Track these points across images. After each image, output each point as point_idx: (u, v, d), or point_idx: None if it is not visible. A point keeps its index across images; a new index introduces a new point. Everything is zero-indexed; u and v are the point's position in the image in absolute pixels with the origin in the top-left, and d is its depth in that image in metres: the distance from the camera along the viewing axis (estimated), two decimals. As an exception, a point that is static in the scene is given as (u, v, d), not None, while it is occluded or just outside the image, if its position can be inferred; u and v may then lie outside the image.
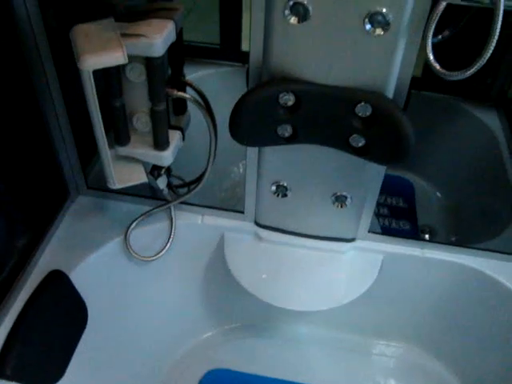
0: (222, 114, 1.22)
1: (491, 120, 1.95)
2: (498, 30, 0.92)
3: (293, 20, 0.98)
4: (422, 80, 1.77)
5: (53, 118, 1.30)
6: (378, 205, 1.96)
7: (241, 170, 1.94)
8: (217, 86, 1.82)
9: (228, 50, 1.90)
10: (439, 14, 0.96)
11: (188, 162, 1.35)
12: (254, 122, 1.07)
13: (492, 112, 1.99)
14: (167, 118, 1.15)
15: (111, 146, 1.16)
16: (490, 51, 0.95)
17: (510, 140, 1.86)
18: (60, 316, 1.28)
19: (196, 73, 1.84)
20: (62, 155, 1.39)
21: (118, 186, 1.20)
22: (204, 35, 2.00)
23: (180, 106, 1.23)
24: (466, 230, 1.85)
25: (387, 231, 1.85)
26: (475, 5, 0.96)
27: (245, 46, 1.89)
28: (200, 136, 1.31)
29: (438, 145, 1.95)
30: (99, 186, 1.46)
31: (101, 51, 0.97)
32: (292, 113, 1.06)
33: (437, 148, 1.95)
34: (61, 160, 1.40)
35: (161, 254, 1.40)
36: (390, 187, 1.98)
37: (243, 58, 1.88)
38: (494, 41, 0.93)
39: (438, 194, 2.03)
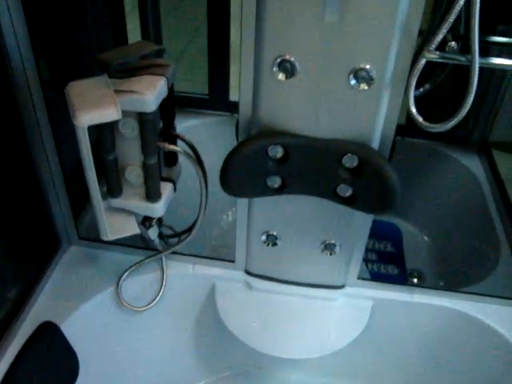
0: (212, 163, 1.26)
1: (473, 164, 2.00)
2: (474, 86, 0.97)
3: (280, 76, 1.02)
4: (406, 127, 1.82)
5: (46, 169, 1.31)
6: (367, 250, 1.98)
7: (230, 218, 1.97)
8: (206, 135, 1.86)
9: (216, 100, 1.94)
10: (420, 70, 1.01)
11: (178, 210, 1.37)
12: (244, 175, 1.10)
13: (474, 157, 2.04)
14: (159, 170, 1.17)
15: (104, 198, 1.18)
16: (469, 105, 0.99)
17: (492, 184, 1.91)
18: (51, 367, 1.27)
19: (185, 123, 1.88)
20: (54, 206, 1.40)
21: (110, 237, 1.21)
22: (193, 85, 2.05)
23: (171, 158, 1.26)
24: (454, 273, 1.88)
25: (376, 277, 1.87)
26: (452, 62, 1.00)
27: (233, 96, 1.94)
28: (190, 185, 1.34)
29: (424, 190, 2.00)
30: (91, 236, 1.48)
31: (95, 108, 1.00)
32: (281, 164, 1.10)
33: (422, 193, 1.99)
34: (53, 211, 1.42)
35: (152, 304, 1.40)
36: (377, 232, 2.01)
37: (232, 107, 1.93)
38: (472, 95, 0.98)
39: (426, 238, 2.06)
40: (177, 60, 3.10)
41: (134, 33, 1.75)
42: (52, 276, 1.41)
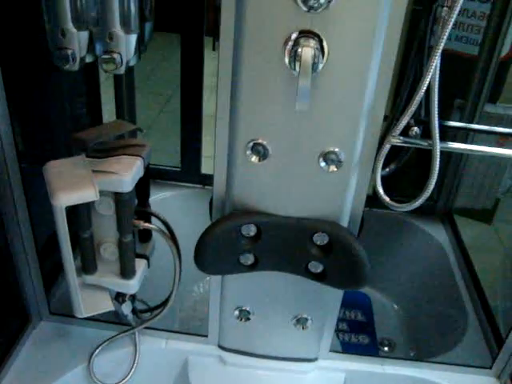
0: (183, 235, 1.28)
1: (438, 233, 2.07)
2: (437, 169, 1.03)
3: (254, 159, 1.06)
4: (373, 198, 1.88)
5: (18, 241, 1.31)
6: (338, 320, 2.00)
7: (201, 290, 1.97)
8: (178, 207, 1.89)
9: (188, 173, 1.98)
10: (385, 153, 1.07)
11: (150, 283, 1.38)
12: (218, 253, 1.13)
13: (439, 225, 2.11)
14: (134, 247, 1.19)
15: (78, 274, 1.19)
16: (432, 186, 1.05)
17: (456, 251, 1.97)
18: None
19: (157, 194, 1.91)
20: (26, 279, 1.39)
21: (85, 315, 1.21)
22: (164, 157, 2.09)
23: (145, 235, 1.28)
24: (424, 341, 1.90)
25: (348, 347, 1.88)
26: (416, 146, 1.07)
27: (205, 169, 1.98)
28: (162, 257, 1.35)
29: (392, 259, 2.04)
30: (62, 310, 1.46)
31: (74, 189, 1.03)
32: (254, 242, 1.13)
33: (390, 262, 2.04)
34: (24, 284, 1.41)
35: (125, 380, 1.39)
36: (347, 301, 2.02)
37: (203, 180, 1.97)
38: (435, 178, 1.04)
39: (395, 305, 2.10)
40: (148, 128, 3.16)
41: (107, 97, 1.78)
42: (21, 353, 1.39)
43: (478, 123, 2.12)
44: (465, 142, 2.07)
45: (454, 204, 2.23)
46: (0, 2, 1.08)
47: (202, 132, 1.96)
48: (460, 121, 2.11)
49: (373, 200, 1.94)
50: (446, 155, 2.01)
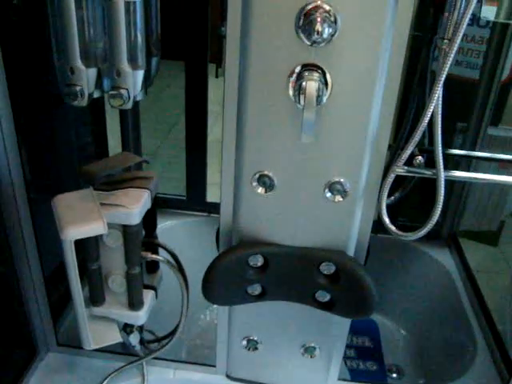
0: (190, 263, 1.29)
1: (444, 257, 2.07)
2: (442, 198, 1.04)
3: (260, 190, 1.07)
4: (378, 223, 1.89)
5: (26, 271, 1.32)
6: (345, 347, 2.00)
7: (208, 318, 1.97)
8: (184, 236, 1.90)
9: (194, 201, 1.99)
10: (390, 183, 1.08)
11: (158, 313, 1.38)
12: (226, 284, 1.13)
13: (444, 250, 2.11)
14: (142, 279, 1.20)
15: (86, 306, 1.20)
16: (438, 214, 1.06)
17: (463, 276, 1.97)
18: None
19: (164, 223, 1.92)
20: (33, 310, 1.40)
21: (93, 347, 1.22)
22: (170, 185, 2.11)
23: (153, 265, 1.29)
24: (433, 368, 1.89)
25: (356, 374, 1.87)
26: (420, 175, 1.08)
27: (210, 197, 1.99)
28: (170, 287, 1.36)
29: (398, 284, 2.04)
30: (69, 342, 1.46)
31: (82, 223, 1.04)
32: (261, 273, 1.13)
33: (397, 287, 2.03)
34: (31, 315, 1.41)
35: (133, 411, 1.38)
36: (354, 327, 2.02)
37: (209, 208, 1.98)
38: (440, 206, 1.05)
39: (403, 331, 2.09)
40: (153, 155, 3.19)
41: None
42: (29, 386, 1.39)
43: (480, 146, 2.13)
44: (468, 165, 2.09)
45: (459, 227, 2.23)
46: (11, 38, 1.10)
47: (206, 160, 1.98)
48: (463, 144, 2.13)
49: (378, 226, 1.95)
50: (450, 183, 2.02)
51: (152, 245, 1.23)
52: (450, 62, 0.94)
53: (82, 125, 1.63)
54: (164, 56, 1.21)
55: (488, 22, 2.08)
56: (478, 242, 2.49)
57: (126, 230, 1.11)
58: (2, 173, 1.18)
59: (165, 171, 2.32)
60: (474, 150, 2.12)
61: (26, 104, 1.24)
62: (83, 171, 1.19)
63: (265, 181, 1.06)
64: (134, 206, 1.08)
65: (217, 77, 4.02)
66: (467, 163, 1.99)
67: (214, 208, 1.92)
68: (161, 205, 1.97)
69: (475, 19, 2.13)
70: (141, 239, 1.18)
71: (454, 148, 2.18)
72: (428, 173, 1.07)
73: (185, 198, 2.01)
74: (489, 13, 1.15)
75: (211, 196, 2.00)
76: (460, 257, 2.07)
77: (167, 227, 1.92)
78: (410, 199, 1.86)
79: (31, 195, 1.26)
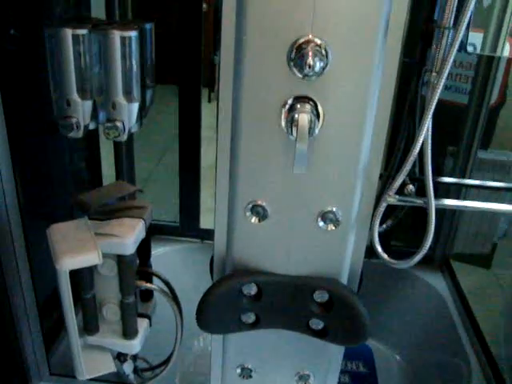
0: (183, 290, 1.29)
1: (437, 281, 2.08)
2: (433, 226, 1.05)
3: (253, 220, 1.08)
4: (371, 248, 1.90)
5: (19, 300, 1.32)
6: (339, 372, 2.00)
7: (201, 344, 1.96)
8: (177, 262, 1.90)
9: (187, 228, 2.00)
10: (382, 212, 1.10)
11: (152, 340, 1.38)
12: (220, 313, 1.14)
13: (437, 274, 2.13)
14: (136, 308, 1.20)
15: (80, 335, 1.20)
16: (430, 242, 1.07)
17: (456, 299, 1.98)
18: None
19: (157, 249, 1.92)
20: (26, 339, 1.40)
21: (87, 377, 1.21)
22: (163, 211, 2.11)
23: (147, 294, 1.29)
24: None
25: (350, 401, 1.87)
26: (410, 204, 1.09)
27: (203, 224, 2.00)
28: (163, 315, 1.36)
29: (392, 308, 2.05)
30: (62, 371, 1.46)
31: (77, 253, 1.05)
32: (255, 301, 1.14)
33: (391, 312, 2.04)
34: (23, 345, 1.40)
35: None
36: (348, 352, 2.01)
37: (202, 234, 1.99)
38: (431, 234, 1.06)
39: (397, 356, 2.09)
40: (145, 181, 3.19)
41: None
42: (20, 417, 1.38)
43: (471, 170, 2.16)
44: (459, 189, 2.11)
45: (451, 250, 2.25)
46: (7, 67, 1.12)
47: (200, 186, 1.99)
48: (453, 167, 2.15)
49: (371, 250, 1.96)
50: (441, 210, 2.03)
51: (146, 273, 1.24)
52: (438, 95, 0.96)
53: (75, 152, 1.64)
54: (157, 80, 1.23)
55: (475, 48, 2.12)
56: (471, 265, 2.50)
57: (120, 259, 1.12)
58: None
59: (157, 196, 2.32)
60: (464, 173, 2.15)
61: (21, 131, 1.25)
62: (78, 200, 1.20)
63: (258, 210, 1.07)
64: (128, 236, 1.09)
65: (209, 101, 4.06)
66: (458, 187, 2.02)
67: (208, 234, 1.93)
68: (154, 231, 1.98)
69: (462, 45, 2.17)
70: (135, 268, 1.19)
71: (445, 171, 2.21)
72: (419, 201, 1.09)
73: (178, 225, 2.01)
74: (476, 40, 1.18)
75: (205, 222, 2.01)
76: (453, 280, 2.08)
77: (160, 254, 1.93)
78: (402, 222, 1.87)
79: (25, 221, 1.26)
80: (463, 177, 2.13)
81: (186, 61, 1.79)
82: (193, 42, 1.75)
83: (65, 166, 1.55)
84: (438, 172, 1.40)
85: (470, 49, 1.13)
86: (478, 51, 1.15)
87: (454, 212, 2.17)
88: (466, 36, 1.12)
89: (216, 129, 1.05)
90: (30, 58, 1.21)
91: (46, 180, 1.49)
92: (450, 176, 2.12)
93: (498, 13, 1.14)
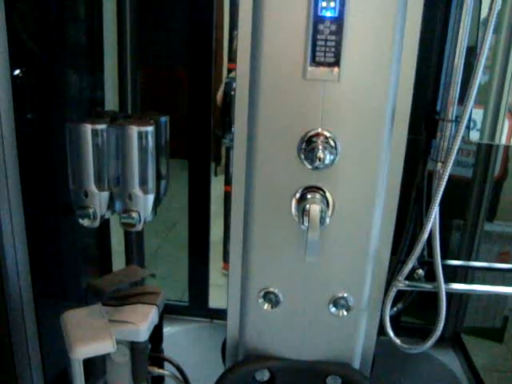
0: (193, 371, 1.28)
1: (449, 359, 2.04)
2: (444, 310, 1.06)
3: (266, 306, 1.10)
4: (381, 327, 1.89)
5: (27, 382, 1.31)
6: None
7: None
8: (187, 341, 1.88)
9: (196, 307, 1.99)
10: (393, 297, 1.11)
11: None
12: (233, 398, 1.13)
13: (449, 351, 2.09)
14: (148, 395, 1.20)
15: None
16: (442, 326, 1.08)
17: (469, 376, 1.94)
18: None
19: (166, 329, 1.90)
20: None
21: None
22: (171, 286, 2.11)
23: (159, 379, 1.29)
24: None
25: None
26: (421, 289, 1.11)
27: (212, 303, 1.99)
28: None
29: (404, 388, 2.01)
30: None
31: (91, 342, 1.06)
32: (268, 387, 1.14)
33: (402, 391, 2.00)
34: None
35: None
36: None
37: (211, 314, 1.97)
38: (443, 319, 1.07)
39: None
40: (154, 255, 3.19)
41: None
42: None
43: (478, 243, 2.17)
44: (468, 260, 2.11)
45: (462, 326, 2.22)
46: (26, 153, 1.16)
47: (209, 262, 1.99)
48: (461, 241, 2.16)
49: (381, 329, 1.95)
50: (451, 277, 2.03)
51: (158, 359, 1.23)
52: (444, 184, 0.99)
53: (86, 229, 1.67)
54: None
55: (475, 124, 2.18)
56: (483, 339, 2.46)
57: (133, 346, 1.13)
58: (12, 278, 1.20)
59: (165, 272, 2.33)
60: (472, 246, 2.15)
61: (36, 211, 1.28)
62: (91, 286, 1.22)
63: (270, 297, 1.09)
64: (142, 323, 1.10)
65: (216, 175, 4.12)
66: (468, 256, 2.02)
67: (217, 314, 1.92)
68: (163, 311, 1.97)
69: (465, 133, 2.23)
70: (148, 354, 1.19)
71: (452, 244, 2.22)
72: (429, 286, 1.10)
73: (187, 304, 2.01)
74: (476, 116, 1.21)
75: (213, 300, 2.01)
76: (465, 357, 2.05)
77: (169, 334, 1.91)
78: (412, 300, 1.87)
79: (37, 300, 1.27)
80: (471, 249, 2.14)
81: (197, 137, 1.83)
82: (203, 119, 1.80)
83: (76, 243, 1.57)
84: (445, 246, 1.41)
85: (473, 136, 1.17)
86: (478, 140, 1.18)
87: (465, 281, 2.16)
88: (468, 125, 1.15)
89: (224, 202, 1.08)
90: (46, 141, 1.26)
91: (58, 258, 1.51)
92: (458, 249, 2.13)
93: (497, 89, 1.18)
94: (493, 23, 0.93)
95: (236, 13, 0.96)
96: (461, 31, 0.99)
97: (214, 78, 1.75)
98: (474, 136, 1.16)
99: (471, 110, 0.96)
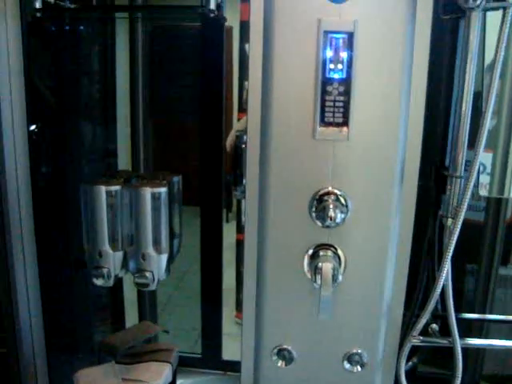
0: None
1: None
2: (460, 366, 1.05)
3: (279, 363, 1.09)
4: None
5: None
6: None
7: None
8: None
9: (209, 359, 1.97)
10: (407, 352, 1.10)
11: None
12: None
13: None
14: None
15: None
16: (459, 380, 1.07)
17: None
18: None
19: (178, 381, 1.88)
20: None
21: None
22: (183, 337, 2.09)
23: None
24: None
25: None
26: (435, 346, 1.10)
27: (226, 355, 1.97)
28: None
29: None
30: None
31: (105, 404, 1.05)
32: None
33: None
34: None
35: None
36: None
37: (224, 366, 1.95)
38: (460, 375, 1.06)
39: None
40: (165, 304, 3.18)
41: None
42: None
43: (494, 288, 2.14)
44: (484, 306, 2.08)
45: (481, 374, 2.18)
46: (40, 205, 1.17)
47: (222, 311, 1.98)
48: (475, 285, 2.13)
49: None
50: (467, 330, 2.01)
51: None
52: (455, 239, 1.00)
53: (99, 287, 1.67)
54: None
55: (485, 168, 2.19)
56: (501, 385, 2.41)
57: None
58: (25, 335, 1.21)
59: (177, 322, 2.32)
60: (487, 291, 2.13)
61: (49, 265, 1.29)
62: (105, 344, 1.21)
63: (284, 354, 1.09)
64: (156, 381, 1.10)
65: (227, 221, 4.12)
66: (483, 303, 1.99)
67: (231, 366, 1.90)
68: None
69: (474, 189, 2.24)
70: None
71: (466, 291, 2.20)
72: (444, 342, 1.09)
73: (200, 356, 1.99)
74: (486, 160, 1.21)
75: (227, 355, 1.98)
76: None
77: (184, 386, 1.89)
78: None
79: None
80: (486, 295, 2.11)
81: (208, 185, 1.84)
82: (214, 166, 1.81)
83: (88, 296, 1.58)
84: (458, 295, 1.38)
85: (482, 193, 1.18)
86: (487, 194, 1.19)
87: (481, 331, 2.13)
88: (477, 181, 1.16)
89: (237, 264, 1.08)
90: (59, 195, 1.28)
91: (71, 311, 1.51)
92: (474, 295, 2.11)
93: (505, 132, 1.19)
94: (499, 69, 0.94)
95: (246, 70, 0.98)
96: (467, 77, 1.00)
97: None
98: (483, 191, 1.17)
99: (479, 169, 0.97)
